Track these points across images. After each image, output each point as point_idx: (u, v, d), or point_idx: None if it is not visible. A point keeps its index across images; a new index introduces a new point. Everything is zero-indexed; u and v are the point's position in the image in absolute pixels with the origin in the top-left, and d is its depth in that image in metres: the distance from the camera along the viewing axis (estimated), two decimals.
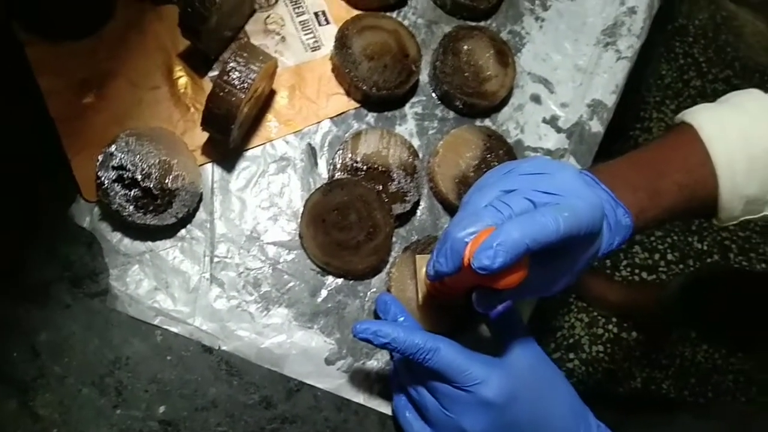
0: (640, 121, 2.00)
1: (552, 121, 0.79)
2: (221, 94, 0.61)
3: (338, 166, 0.69)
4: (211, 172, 0.68)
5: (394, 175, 0.70)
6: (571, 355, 1.73)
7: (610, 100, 0.82)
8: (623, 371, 1.76)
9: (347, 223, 0.67)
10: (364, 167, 0.69)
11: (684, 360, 1.77)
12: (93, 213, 0.64)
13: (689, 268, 1.84)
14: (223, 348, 0.64)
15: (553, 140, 0.79)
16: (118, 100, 0.67)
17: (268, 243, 0.67)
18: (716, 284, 1.41)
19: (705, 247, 1.88)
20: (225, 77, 0.61)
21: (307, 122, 0.72)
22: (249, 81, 0.61)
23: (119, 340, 0.62)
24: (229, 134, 0.63)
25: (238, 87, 0.61)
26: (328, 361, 0.66)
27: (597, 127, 0.80)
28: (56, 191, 0.64)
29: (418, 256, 0.65)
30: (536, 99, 0.80)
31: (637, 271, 1.82)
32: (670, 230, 1.88)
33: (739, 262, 1.88)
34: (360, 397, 0.65)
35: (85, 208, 0.64)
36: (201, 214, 0.67)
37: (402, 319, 0.62)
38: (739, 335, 1.45)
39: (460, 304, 0.64)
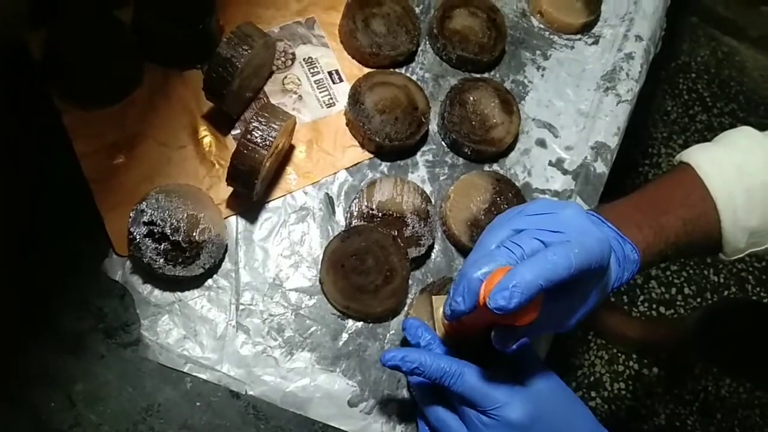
0: (649, 157, 2.03)
1: (558, 164, 0.83)
2: (245, 151, 0.65)
3: (355, 213, 0.72)
4: (236, 223, 0.72)
5: (409, 220, 0.73)
6: (593, 393, 1.72)
7: (613, 141, 0.85)
8: (646, 408, 1.74)
9: (365, 268, 0.70)
10: (380, 214, 0.73)
11: (708, 395, 1.75)
12: (125, 267, 0.68)
13: (707, 302, 1.84)
14: (250, 393, 0.66)
15: (559, 182, 0.82)
16: (147, 160, 0.72)
17: (290, 290, 0.71)
18: (735, 317, 1.42)
19: (722, 280, 1.88)
20: (248, 136, 0.65)
21: (325, 173, 0.76)
22: (271, 139, 0.66)
23: (151, 388, 0.65)
24: (253, 188, 0.67)
25: (260, 145, 0.65)
26: (351, 403, 0.68)
27: (601, 167, 0.83)
28: (90, 247, 0.68)
29: (434, 296, 0.68)
30: (542, 143, 0.83)
31: (654, 306, 1.82)
32: (686, 264, 1.89)
33: (757, 293, 1.88)
34: None
35: (118, 262, 0.68)
36: (226, 264, 0.70)
37: (429, 337, 0.63)
38: (762, 369, 1.45)
39: (477, 342, 0.67)
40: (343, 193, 0.76)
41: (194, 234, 0.67)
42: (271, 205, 0.73)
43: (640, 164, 2.02)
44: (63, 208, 0.69)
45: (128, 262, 0.68)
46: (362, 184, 0.75)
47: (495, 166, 0.81)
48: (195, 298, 0.68)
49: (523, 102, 0.85)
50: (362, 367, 0.69)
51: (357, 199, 0.73)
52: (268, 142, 0.65)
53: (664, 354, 1.72)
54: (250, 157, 0.65)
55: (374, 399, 0.68)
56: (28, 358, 0.63)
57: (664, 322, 1.78)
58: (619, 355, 1.76)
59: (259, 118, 0.66)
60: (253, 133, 0.65)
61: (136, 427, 0.63)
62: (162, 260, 0.66)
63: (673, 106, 2.12)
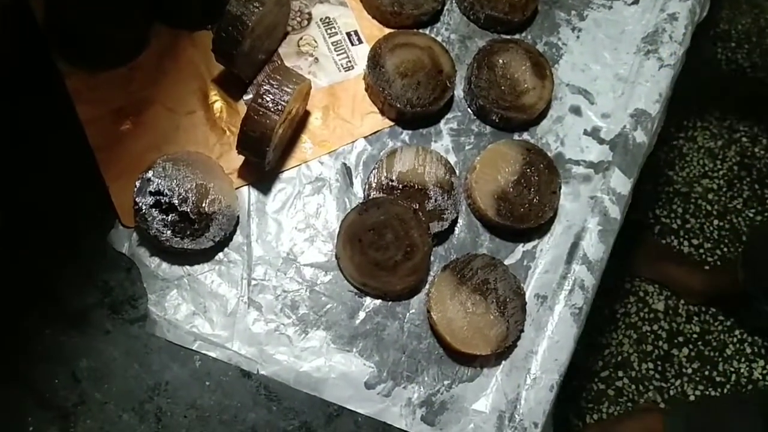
0: (683, 130, 1.93)
1: (594, 133, 0.76)
2: (256, 117, 0.60)
3: (374, 185, 0.67)
4: (248, 194, 0.67)
5: (431, 192, 0.68)
6: (620, 373, 1.66)
7: (654, 109, 0.78)
8: (675, 389, 1.68)
9: (384, 243, 0.65)
10: (400, 186, 0.67)
11: (740, 376, 1.68)
12: (131, 239, 0.64)
13: None
14: (262, 372, 0.62)
15: (595, 152, 0.75)
16: (155, 127, 0.67)
17: (304, 265, 0.66)
18: None
19: None
20: (259, 100, 0.60)
21: (342, 142, 0.71)
22: (283, 103, 0.60)
23: (158, 366, 0.61)
24: (265, 157, 0.62)
25: (272, 109, 0.60)
26: (368, 385, 0.64)
27: (641, 137, 0.76)
28: (95, 218, 0.64)
29: None
30: (576, 110, 0.77)
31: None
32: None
33: None
34: (402, 422, 0.63)
35: (124, 234, 0.64)
36: (238, 237, 0.66)
37: None
38: None
39: None
40: (361, 163, 0.70)
41: (203, 205, 0.63)
42: (285, 175, 0.69)
43: (673, 137, 1.92)
44: (66, 177, 0.65)
45: (135, 234, 0.64)
46: (382, 153, 0.70)
47: (525, 135, 0.75)
48: (205, 273, 0.64)
49: (556, 66, 0.78)
50: (380, 348, 0.65)
51: (376, 170, 0.68)
52: (280, 107, 0.60)
53: (730, 300, 1.60)
54: (261, 122, 0.60)
55: (393, 381, 0.64)
56: (31, 334, 0.60)
57: (729, 269, 1.68)
58: (649, 334, 1.69)
59: (271, 81, 0.61)
60: (264, 97, 0.60)
61: (143, 406, 0.60)
62: (169, 232, 0.62)
63: (710, 77, 2.00)
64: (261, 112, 0.60)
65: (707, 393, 1.69)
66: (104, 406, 0.59)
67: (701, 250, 1.72)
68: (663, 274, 1.66)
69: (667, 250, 1.70)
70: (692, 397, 1.68)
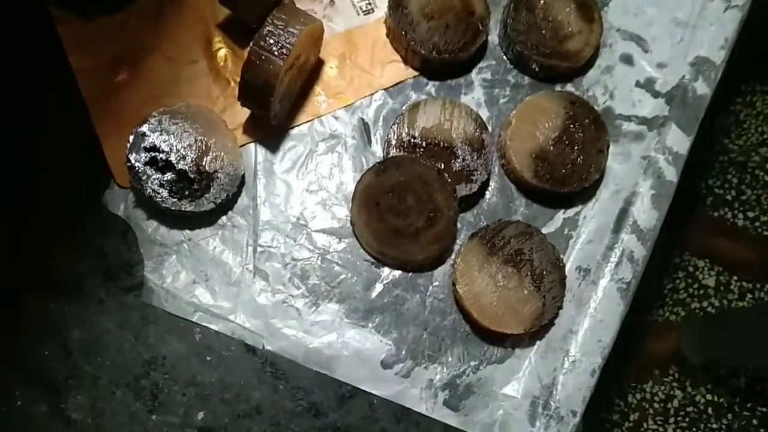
0: (741, 94, 1.77)
1: (647, 85, 0.66)
2: (258, 62, 0.53)
3: (393, 142, 0.59)
4: (254, 152, 0.60)
5: (459, 151, 0.59)
6: None
7: (719, 56, 0.67)
8: (726, 370, 1.57)
9: (404, 208, 0.57)
10: (424, 143, 0.59)
11: None
12: (127, 200, 0.58)
13: None
14: (268, 348, 0.56)
15: (649, 107, 0.66)
16: (154, 77, 0.61)
17: (316, 231, 0.59)
18: None
19: None
20: (261, 43, 0.53)
21: (360, 95, 0.63)
22: (288, 46, 0.53)
23: (155, 339, 0.56)
24: (269, 108, 0.55)
25: (276, 53, 0.53)
26: (385, 364, 0.57)
27: (703, 88, 0.66)
28: (88, 177, 0.58)
29: None
30: (627, 59, 0.67)
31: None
32: None
33: None
34: (422, 407, 0.56)
35: (119, 195, 0.58)
36: (243, 200, 0.59)
37: None
38: None
39: None
40: (381, 119, 0.62)
41: (203, 163, 0.57)
42: (295, 131, 0.61)
43: (730, 101, 1.77)
44: (57, 131, 0.59)
45: (131, 195, 0.58)
46: (404, 107, 0.62)
47: (569, 87, 0.65)
48: (206, 238, 0.58)
49: (606, 8, 0.68)
50: (399, 323, 0.58)
51: (396, 125, 0.60)
52: (285, 51, 0.53)
53: None
54: (264, 68, 0.53)
55: (412, 360, 0.57)
56: (18, 302, 0.55)
57: None
58: (698, 311, 1.58)
59: (275, 21, 0.53)
60: (267, 39, 0.53)
61: (138, 381, 0.55)
62: (166, 192, 0.56)
63: None
64: (263, 57, 0.53)
65: (758, 376, 1.57)
66: (97, 381, 0.55)
67: (757, 224, 1.58)
68: (715, 249, 1.54)
69: (720, 222, 1.56)
70: (743, 379, 1.56)
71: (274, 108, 0.55)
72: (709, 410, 1.45)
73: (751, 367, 1.25)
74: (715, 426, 1.45)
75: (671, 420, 1.43)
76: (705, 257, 1.52)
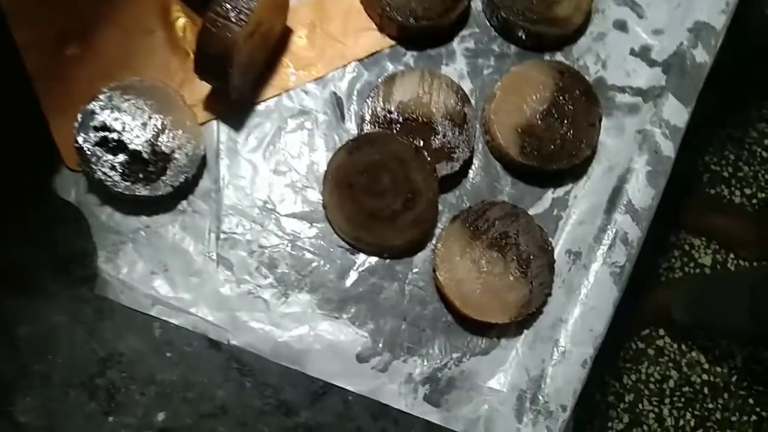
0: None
1: (643, 53, 0.61)
2: (213, 29, 0.48)
3: (368, 118, 0.54)
4: (216, 131, 0.55)
5: (439, 126, 0.54)
6: (661, 332, 1.53)
7: (719, 21, 0.62)
8: (721, 349, 1.54)
9: (380, 189, 0.52)
10: (401, 118, 0.54)
11: None
12: (79, 184, 0.53)
13: None
14: (233, 342, 0.52)
15: (645, 77, 0.60)
16: (106, 50, 0.55)
17: (285, 215, 0.54)
18: None
19: None
20: (218, 8, 0.48)
21: (331, 66, 0.57)
22: (247, 11, 0.47)
23: (111, 334, 0.51)
24: (228, 81, 0.50)
25: (233, 20, 0.47)
26: (361, 358, 0.52)
27: (702, 56, 0.61)
28: (36, 160, 0.53)
29: None
30: (621, 26, 0.62)
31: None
32: None
33: None
34: (401, 403, 0.52)
35: (70, 179, 0.53)
36: (204, 183, 0.54)
37: None
38: None
39: None
40: (354, 93, 0.57)
41: (159, 142, 0.52)
42: (261, 107, 0.56)
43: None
44: (1, 111, 0.53)
45: (83, 179, 0.53)
46: (379, 80, 0.57)
47: (558, 56, 0.60)
48: (165, 225, 0.53)
49: None
50: (375, 314, 0.53)
51: (371, 99, 0.55)
52: (243, 16, 0.47)
53: None
54: (221, 36, 0.47)
55: (390, 353, 0.53)
56: None
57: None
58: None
59: None
60: (224, 4, 0.48)
61: (93, 381, 0.51)
62: (118, 176, 0.51)
63: None
64: (220, 24, 0.47)
65: (756, 356, 1.55)
66: (48, 381, 0.50)
67: (754, 200, 1.54)
68: (712, 226, 1.50)
69: (716, 199, 1.52)
70: (739, 357, 1.53)
71: (233, 81, 0.50)
72: (705, 390, 1.42)
73: (734, 332, 1.26)
74: (711, 406, 1.42)
75: (667, 401, 1.41)
76: (702, 235, 1.48)
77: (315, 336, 0.52)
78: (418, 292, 0.54)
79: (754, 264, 1.48)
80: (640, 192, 0.57)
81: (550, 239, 0.54)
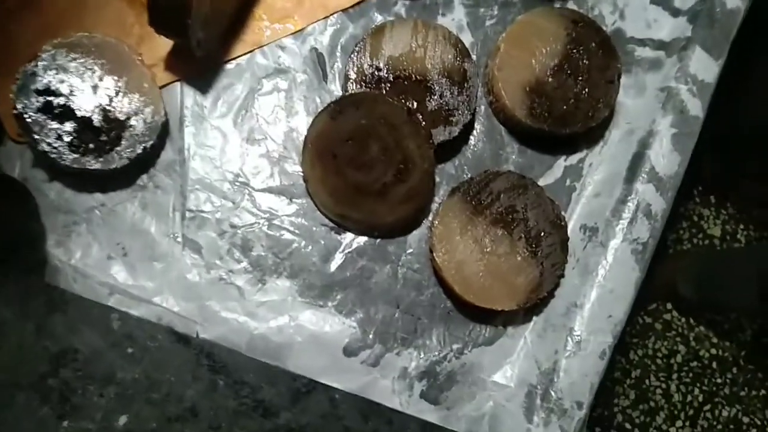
0: None
1: (665, 0, 0.53)
2: None
3: (353, 76, 0.47)
4: (180, 94, 0.48)
5: (435, 85, 0.47)
6: (668, 305, 1.47)
7: None
8: (730, 323, 1.49)
9: (368, 159, 0.45)
10: (391, 76, 0.47)
11: None
12: (24, 158, 0.46)
13: None
14: (203, 336, 0.45)
15: (668, 27, 0.53)
16: (51, 3, 0.48)
17: (260, 190, 0.47)
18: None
19: None
20: None
21: (312, 18, 0.50)
22: None
23: (64, 328, 0.45)
24: (187, 34, 0.42)
25: None
26: (349, 351, 0.46)
27: (734, 1, 0.53)
28: None
29: None
30: None
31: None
32: None
33: None
34: (395, 401, 0.46)
35: (14, 152, 0.46)
36: (167, 153, 0.47)
37: None
38: None
39: None
40: (338, 48, 0.50)
41: (112, 108, 0.44)
42: (232, 66, 0.49)
43: None
44: None
45: (28, 152, 0.46)
46: (367, 32, 0.49)
47: (570, 3, 0.53)
48: (123, 202, 0.46)
49: None
50: (365, 301, 0.47)
51: (356, 54, 0.47)
52: None
53: None
54: None
55: (382, 345, 0.46)
56: None
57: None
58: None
59: None
60: None
61: (45, 381, 0.44)
62: (65, 147, 0.44)
63: None
64: None
65: (766, 328, 1.50)
66: None
67: None
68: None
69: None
70: (749, 332, 1.48)
71: (195, 34, 0.43)
72: (714, 364, 1.38)
73: (738, 307, 1.24)
74: (719, 380, 1.37)
75: (674, 376, 1.36)
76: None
77: (296, 327, 0.46)
78: (413, 275, 0.47)
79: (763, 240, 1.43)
80: (665, 158, 0.50)
81: (563, 213, 0.47)
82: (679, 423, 1.33)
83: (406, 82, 0.47)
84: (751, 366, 1.34)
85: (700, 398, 1.34)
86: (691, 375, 1.33)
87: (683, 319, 1.45)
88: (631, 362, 1.33)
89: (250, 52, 0.49)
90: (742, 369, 1.34)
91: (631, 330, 1.35)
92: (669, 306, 1.47)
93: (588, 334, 0.47)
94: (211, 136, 0.48)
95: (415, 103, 0.47)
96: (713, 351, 1.36)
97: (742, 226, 1.41)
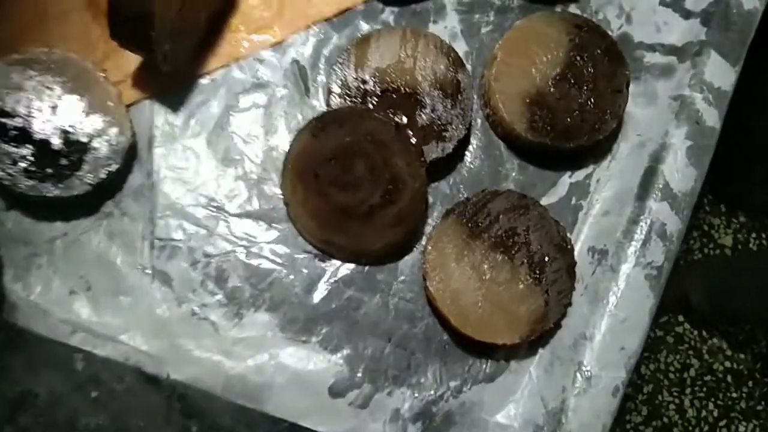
0: None
1: (675, 2, 0.49)
2: None
3: (337, 90, 0.43)
4: (149, 113, 0.44)
5: (426, 98, 0.43)
6: (680, 318, 1.42)
7: None
8: (744, 334, 1.44)
9: (353, 179, 0.41)
10: (378, 89, 0.43)
11: None
12: None
13: None
14: (174, 377, 0.41)
15: (679, 30, 0.49)
16: (9, 14, 0.44)
17: (236, 215, 0.43)
18: None
19: None
20: None
21: (292, 28, 0.46)
22: None
23: (23, 370, 0.41)
24: (151, 47, 0.38)
25: None
26: (335, 392, 0.42)
27: (752, 1, 0.49)
28: None
29: None
30: None
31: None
32: None
33: None
34: None
35: None
36: (135, 178, 0.43)
37: None
38: None
39: None
40: (322, 60, 0.46)
41: (73, 129, 0.40)
42: (206, 82, 0.45)
43: None
44: None
45: None
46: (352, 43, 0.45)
47: (572, 8, 0.48)
48: (87, 232, 0.42)
49: None
50: (353, 335, 0.42)
51: (340, 66, 0.43)
52: None
53: None
54: None
55: (372, 385, 0.42)
56: None
57: None
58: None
59: None
60: None
61: (1, 428, 0.40)
62: (21, 173, 0.40)
63: None
64: None
65: None
66: None
67: None
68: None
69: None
70: (763, 343, 1.44)
71: (160, 47, 0.39)
72: (729, 378, 1.33)
73: (752, 317, 1.20)
74: (735, 395, 1.33)
75: (688, 390, 1.32)
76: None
77: (277, 366, 0.41)
78: (406, 306, 0.43)
79: None
80: (680, 173, 0.45)
81: (569, 235, 0.43)
82: None
83: (394, 96, 0.43)
84: (767, 379, 1.30)
85: (715, 413, 1.29)
86: (705, 389, 1.29)
87: (696, 332, 1.41)
88: (642, 377, 1.28)
89: (226, 65, 0.45)
90: (758, 382, 1.30)
91: (642, 344, 1.31)
92: (681, 318, 1.42)
93: (599, 368, 0.42)
94: (183, 158, 0.43)
95: (405, 118, 0.42)
96: (727, 364, 1.31)
97: (754, 235, 1.37)
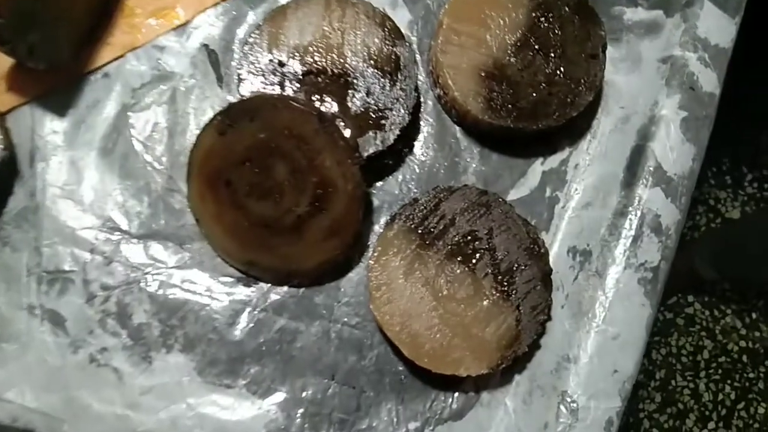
0: None
1: None
2: None
3: (246, 76, 0.35)
4: (30, 121, 0.36)
5: (359, 79, 0.35)
6: (690, 298, 1.35)
7: None
8: (757, 311, 1.37)
9: (273, 185, 0.33)
10: (299, 72, 0.35)
11: None
12: None
13: None
14: None
15: None
16: None
17: (139, 237, 0.36)
18: None
19: None
20: None
21: (198, 7, 0.38)
22: None
23: None
24: (4, 39, 0.30)
25: None
26: None
27: None
28: None
29: None
30: None
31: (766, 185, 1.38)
32: None
33: None
34: None
35: None
36: (16, 200, 0.36)
37: None
38: None
39: None
40: (235, 42, 0.38)
41: None
42: (97, 78, 0.37)
43: None
44: None
45: None
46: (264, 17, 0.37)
47: None
48: None
49: None
50: (288, 374, 0.35)
51: (250, 47, 0.35)
52: None
53: None
54: None
55: None
56: None
57: None
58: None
59: None
60: None
61: None
62: None
63: None
64: None
65: None
66: None
67: None
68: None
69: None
70: None
71: (22, 38, 0.31)
72: (744, 358, 1.27)
73: (764, 280, 1.14)
74: (752, 375, 1.26)
75: (702, 374, 1.26)
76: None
77: (196, 417, 0.34)
78: (351, 333, 0.35)
79: None
80: (674, 151, 0.37)
81: (543, 236, 0.35)
82: (711, 425, 1.22)
83: (319, 78, 0.35)
84: None
85: (732, 396, 1.23)
86: (720, 371, 1.22)
87: (707, 311, 1.34)
88: (654, 363, 1.21)
89: (121, 57, 0.37)
90: None
91: (651, 328, 1.24)
92: (690, 298, 1.35)
93: (587, 398, 0.34)
94: (73, 172, 0.36)
95: (335, 105, 0.34)
96: (742, 344, 1.25)
97: (763, 205, 1.29)
